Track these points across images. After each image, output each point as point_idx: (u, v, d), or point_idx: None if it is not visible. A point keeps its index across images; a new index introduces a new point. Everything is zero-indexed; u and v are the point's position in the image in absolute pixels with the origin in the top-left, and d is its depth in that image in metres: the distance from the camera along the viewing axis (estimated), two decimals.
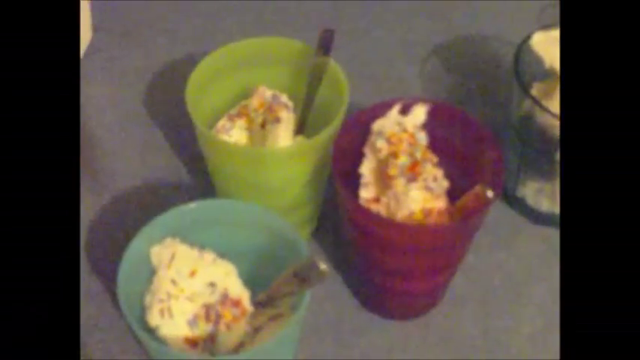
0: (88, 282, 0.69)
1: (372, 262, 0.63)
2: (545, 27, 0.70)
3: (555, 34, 0.70)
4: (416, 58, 0.86)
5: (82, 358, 0.63)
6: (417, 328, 0.68)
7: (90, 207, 0.73)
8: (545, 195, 0.72)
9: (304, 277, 0.53)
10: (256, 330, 0.58)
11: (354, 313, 0.68)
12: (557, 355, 0.65)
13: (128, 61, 0.85)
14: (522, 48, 0.70)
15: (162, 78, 0.84)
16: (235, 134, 0.67)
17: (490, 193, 0.57)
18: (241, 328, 0.58)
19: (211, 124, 0.68)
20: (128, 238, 0.67)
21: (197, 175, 0.75)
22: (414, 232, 0.59)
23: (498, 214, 0.74)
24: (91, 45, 0.85)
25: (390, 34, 0.88)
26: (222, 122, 0.67)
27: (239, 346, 0.57)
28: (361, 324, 0.68)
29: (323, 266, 0.52)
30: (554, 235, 0.73)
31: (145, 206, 0.74)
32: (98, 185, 0.75)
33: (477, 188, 0.58)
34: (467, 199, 0.59)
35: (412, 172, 0.61)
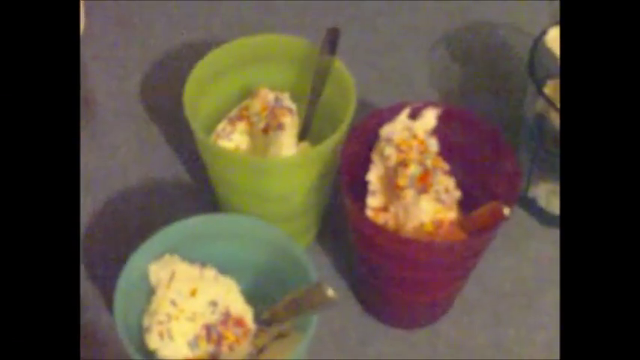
0: (84, 286, 0.66)
1: (379, 273, 0.61)
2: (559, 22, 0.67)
3: None
4: (423, 47, 0.83)
5: None
6: (426, 337, 0.66)
7: (85, 205, 0.71)
8: (557, 196, 0.69)
9: (311, 302, 0.51)
10: (260, 350, 0.56)
11: (359, 321, 0.66)
12: None
13: (124, 50, 0.82)
14: (536, 46, 0.66)
15: (160, 69, 0.81)
16: (236, 138, 0.64)
17: (507, 211, 0.54)
18: (244, 348, 0.56)
19: (212, 125, 0.66)
20: (125, 238, 0.65)
21: (196, 172, 0.73)
22: (423, 248, 0.57)
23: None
24: (85, 32, 0.82)
25: (396, 21, 0.85)
26: (223, 125, 0.64)
27: None
28: (366, 332, 0.66)
29: (331, 292, 0.50)
30: None
31: (142, 204, 0.72)
32: (93, 183, 0.72)
33: (493, 205, 0.55)
34: (481, 214, 0.57)
35: (423, 183, 0.58)
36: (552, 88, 0.69)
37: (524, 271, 0.69)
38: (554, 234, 0.71)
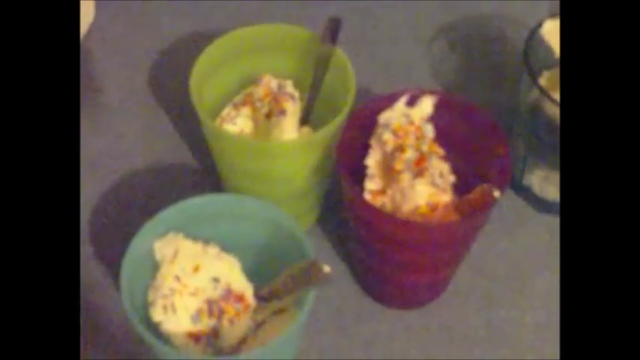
0: (90, 268, 0.69)
1: (376, 255, 0.63)
2: (556, 15, 0.69)
3: None
4: (422, 39, 0.85)
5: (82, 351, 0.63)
6: (420, 318, 0.68)
7: (92, 190, 0.73)
8: (551, 183, 0.72)
9: (307, 278, 0.53)
10: (259, 325, 0.58)
11: (357, 302, 0.68)
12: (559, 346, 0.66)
13: (132, 40, 0.84)
14: (532, 37, 0.68)
15: (167, 57, 0.83)
16: (240, 123, 0.66)
17: (497, 193, 0.56)
18: (244, 322, 0.58)
19: (217, 111, 0.68)
20: (131, 222, 0.67)
21: (201, 158, 0.75)
22: (418, 229, 0.59)
23: (504, 201, 0.73)
24: (94, 23, 0.84)
25: (395, 13, 0.87)
26: (227, 110, 0.67)
27: (242, 341, 0.57)
28: (364, 313, 0.68)
29: (326, 268, 0.52)
30: (559, 224, 0.73)
31: (148, 189, 0.74)
32: (101, 167, 0.75)
33: (484, 187, 0.57)
34: (473, 197, 0.59)
35: (418, 167, 0.60)
36: (547, 79, 0.71)
37: (518, 256, 0.71)
38: (548, 220, 0.73)
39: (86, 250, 0.70)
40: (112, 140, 0.77)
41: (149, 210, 0.61)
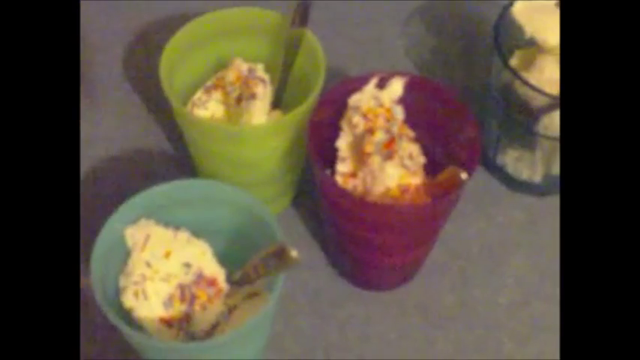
0: None
1: (349, 238, 0.63)
2: None
3: (537, 2, 0.69)
4: (397, 18, 0.85)
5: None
6: (395, 299, 0.68)
7: None
8: (524, 163, 0.72)
9: (277, 263, 0.53)
10: (232, 309, 0.58)
11: (332, 284, 0.69)
12: (534, 325, 0.66)
13: (106, 24, 0.84)
14: (503, 17, 0.68)
15: (141, 41, 0.82)
16: (211, 107, 0.66)
17: (464, 175, 0.57)
18: (216, 307, 0.58)
19: (188, 96, 0.68)
20: (106, 208, 0.66)
21: (176, 143, 0.75)
22: (388, 212, 0.59)
23: (478, 181, 0.74)
24: None
25: None
26: (199, 95, 0.67)
27: (215, 326, 0.58)
28: (339, 295, 0.68)
29: (294, 253, 0.52)
30: (532, 203, 0.73)
31: (123, 172, 0.74)
32: None
33: (451, 169, 0.57)
34: (442, 178, 0.59)
35: (388, 149, 0.61)
36: (519, 59, 0.71)
37: (492, 235, 0.71)
38: (521, 199, 0.73)
39: None
40: (87, 126, 0.76)
41: (124, 196, 0.61)
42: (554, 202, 0.73)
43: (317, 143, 0.61)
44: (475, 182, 0.71)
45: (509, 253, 0.70)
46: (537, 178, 0.72)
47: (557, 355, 0.63)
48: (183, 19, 0.69)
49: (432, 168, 0.63)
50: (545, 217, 0.72)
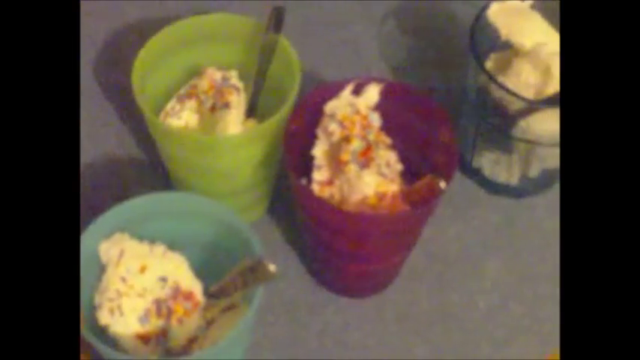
0: None
1: (325, 246, 0.63)
2: None
3: (512, 4, 0.69)
4: (372, 20, 0.84)
5: None
6: (374, 305, 0.68)
7: None
8: (501, 166, 0.72)
9: (254, 276, 0.53)
10: (209, 323, 0.58)
11: (310, 291, 0.68)
12: (511, 329, 0.66)
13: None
14: (479, 19, 0.68)
15: (112, 46, 0.81)
16: (185, 116, 0.65)
17: (442, 184, 0.56)
18: (194, 321, 0.57)
19: (161, 104, 0.67)
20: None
21: (149, 152, 0.74)
22: (365, 220, 0.59)
23: (455, 184, 0.73)
24: None
25: None
26: (172, 104, 0.66)
27: (193, 340, 0.57)
28: (317, 302, 0.68)
29: (272, 267, 0.51)
30: (510, 205, 0.73)
31: (95, 183, 0.72)
32: None
33: (429, 178, 0.57)
34: (420, 186, 0.59)
35: (365, 158, 0.60)
36: (495, 61, 0.70)
37: (469, 238, 0.71)
38: (499, 201, 0.73)
39: None
40: None
41: (96, 206, 0.60)
42: (531, 204, 0.73)
43: (293, 153, 0.60)
44: (452, 185, 0.70)
45: (487, 256, 0.70)
46: (514, 180, 0.72)
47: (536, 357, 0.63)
48: (156, 26, 0.68)
49: (409, 174, 0.63)
50: (522, 219, 0.72)
